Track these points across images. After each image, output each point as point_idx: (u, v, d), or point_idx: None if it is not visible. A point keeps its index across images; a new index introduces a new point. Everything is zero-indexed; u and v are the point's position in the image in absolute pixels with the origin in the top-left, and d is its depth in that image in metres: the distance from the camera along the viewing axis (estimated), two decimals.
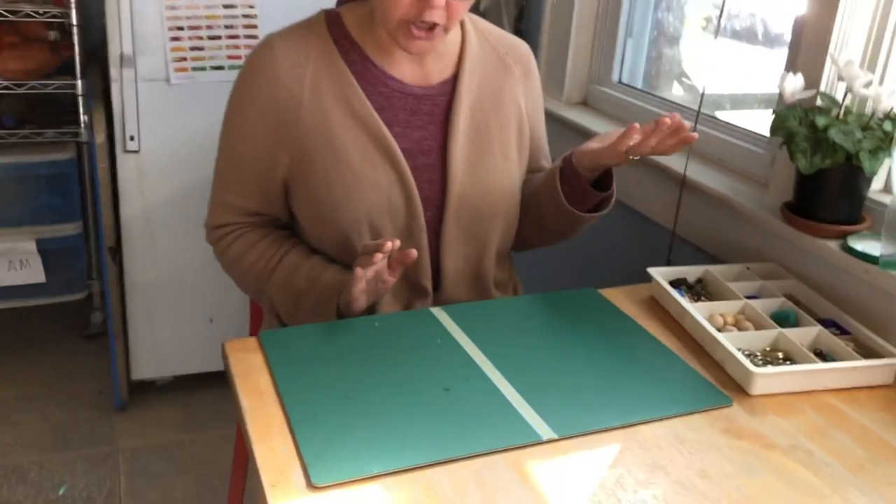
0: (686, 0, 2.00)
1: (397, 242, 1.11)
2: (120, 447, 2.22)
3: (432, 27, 1.16)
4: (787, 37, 1.68)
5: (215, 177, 1.34)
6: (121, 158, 2.15)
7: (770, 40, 1.82)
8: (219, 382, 2.40)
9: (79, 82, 2.26)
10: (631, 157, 1.19)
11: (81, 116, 2.31)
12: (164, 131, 2.15)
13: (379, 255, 1.10)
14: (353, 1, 1.32)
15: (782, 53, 1.49)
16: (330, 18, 1.29)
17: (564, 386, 1.07)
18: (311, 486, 0.86)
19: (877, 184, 1.35)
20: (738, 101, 1.98)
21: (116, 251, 2.23)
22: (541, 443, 0.96)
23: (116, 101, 2.09)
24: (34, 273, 2.40)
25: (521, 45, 1.40)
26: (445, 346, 1.15)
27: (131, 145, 2.13)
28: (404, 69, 1.28)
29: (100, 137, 2.12)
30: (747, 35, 1.89)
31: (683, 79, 2.09)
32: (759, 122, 1.82)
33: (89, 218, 2.55)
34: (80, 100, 2.29)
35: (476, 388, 1.05)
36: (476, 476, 0.90)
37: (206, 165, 2.16)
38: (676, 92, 2.07)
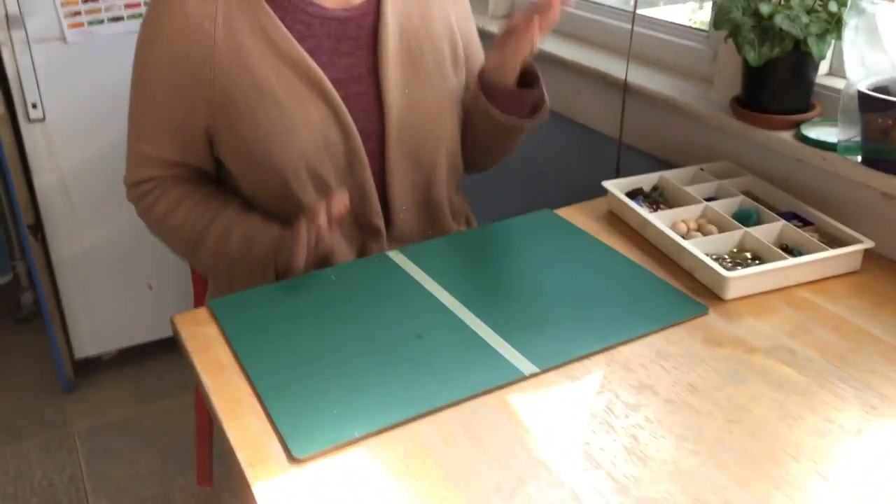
0: None
1: (345, 200, 1.06)
2: (74, 430, 2.13)
3: None
4: None
5: (129, 128, 1.23)
6: (25, 129, 1.99)
7: None
8: (167, 350, 2.33)
9: None
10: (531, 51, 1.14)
11: None
12: (67, 94, 2.00)
13: (322, 217, 1.06)
14: None
15: None
16: None
17: (538, 316, 1.03)
18: (293, 459, 0.81)
19: (822, 69, 1.32)
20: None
21: (37, 228, 2.10)
22: (523, 378, 0.92)
23: (10, 68, 1.93)
24: None
25: None
26: (409, 290, 1.09)
27: (34, 113, 1.98)
28: None
29: None
30: None
31: None
32: (685, 16, 1.78)
33: (1, 196, 2.39)
34: None
35: (448, 330, 1.01)
36: (463, 423, 0.86)
37: (119, 124, 2.03)
38: None
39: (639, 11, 1.57)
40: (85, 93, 2.01)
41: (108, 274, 2.21)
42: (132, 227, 2.13)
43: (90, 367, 2.32)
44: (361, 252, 1.26)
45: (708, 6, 1.82)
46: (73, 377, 2.26)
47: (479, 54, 1.37)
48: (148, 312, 2.29)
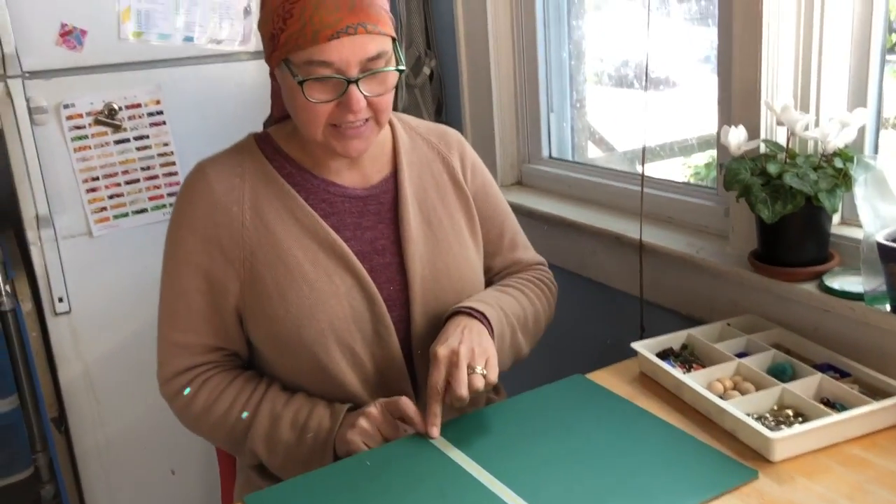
0: (583, 67, 2.03)
1: (436, 433, 1.13)
2: None
3: (363, 122, 1.14)
4: (673, 79, 1.73)
5: (161, 319, 1.25)
6: (51, 322, 2.03)
7: (661, 84, 1.84)
8: None
9: None
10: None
11: (1, 286, 2.18)
12: (93, 286, 2.05)
13: (401, 429, 1.15)
14: (279, 122, 1.29)
15: (669, 95, 1.51)
16: (259, 138, 1.27)
17: (583, 495, 1.00)
18: None
19: (835, 219, 1.35)
20: (655, 154, 2.01)
21: (61, 420, 2.08)
22: None
23: (39, 265, 1.98)
24: None
25: (450, 132, 1.39)
26: (447, 472, 1.07)
27: (61, 307, 2.02)
28: (343, 175, 1.24)
29: (27, 306, 1.99)
30: (627, 82, 1.94)
31: (596, 140, 2.11)
32: (678, 169, 1.84)
33: (25, 389, 2.39)
34: None
35: None
36: None
37: (142, 314, 2.08)
38: (593, 154, 2.09)
39: (639, 169, 1.63)
40: (110, 284, 2.06)
41: (132, 462, 2.17)
42: (154, 414, 2.13)
43: None
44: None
45: (694, 158, 1.88)
46: None
47: (504, 229, 1.40)
48: (171, 499, 2.23)
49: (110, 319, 2.07)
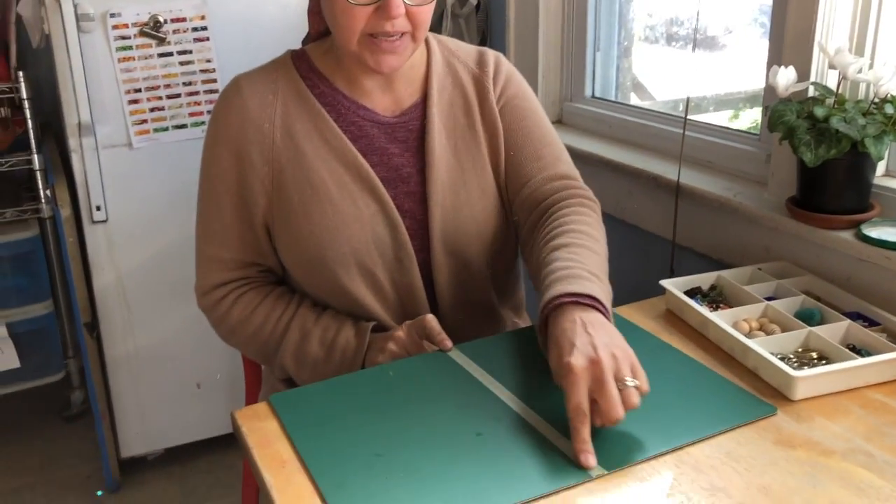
0: (633, 14, 2.00)
1: (449, 345, 1.14)
2: None
3: (399, 37, 1.12)
4: (722, 39, 1.68)
5: (198, 233, 1.27)
6: (88, 230, 2.06)
7: (707, 44, 1.81)
8: (212, 450, 2.32)
9: (35, 157, 2.17)
10: None
11: (41, 192, 2.22)
12: (130, 197, 2.08)
13: (427, 348, 1.15)
14: (317, 40, 1.28)
15: (718, 56, 1.48)
16: (296, 55, 1.26)
17: None
18: None
19: (879, 169, 1.32)
20: (699, 107, 1.98)
21: (93, 326, 2.14)
22: (590, 480, 0.90)
23: (79, 172, 2.01)
24: (7, 359, 2.29)
25: (487, 53, 1.32)
26: (468, 387, 1.08)
27: (98, 215, 2.05)
28: (375, 99, 1.24)
29: (65, 212, 2.03)
30: (682, 41, 1.90)
31: (638, 89, 2.08)
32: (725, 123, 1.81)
33: (59, 295, 2.45)
34: (39, 175, 2.20)
35: (510, 428, 0.99)
36: None
37: (178, 227, 2.11)
38: (634, 102, 2.06)
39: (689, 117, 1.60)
40: (147, 197, 2.09)
41: (159, 373, 2.23)
42: (184, 328, 2.17)
43: (135, 467, 2.31)
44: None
45: (743, 114, 1.85)
46: (118, 477, 2.25)
47: (541, 147, 1.28)
48: (195, 412, 2.29)
49: (145, 231, 2.11)
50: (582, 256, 1.11)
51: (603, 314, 1.01)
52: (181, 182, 2.09)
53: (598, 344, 0.94)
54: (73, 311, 2.21)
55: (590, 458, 0.90)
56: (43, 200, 2.23)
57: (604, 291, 1.05)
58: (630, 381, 0.93)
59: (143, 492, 2.25)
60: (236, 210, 1.22)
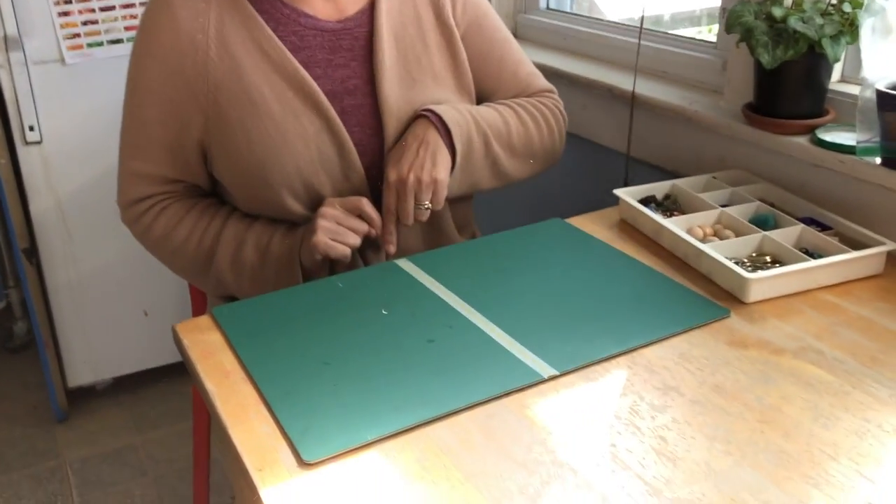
0: None
1: (392, 249, 1.18)
2: (67, 459, 2.07)
3: None
4: None
5: (122, 146, 1.20)
6: (22, 151, 1.97)
7: None
8: (162, 378, 2.28)
9: None
10: None
11: None
12: (65, 116, 1.98)
13: (365, 230, 1.15)
14: None
15: None
16: None
17: (553, 320, 0.99)
18: (303, 463, 0.77)
19: (835, 75, 1.30)
20: (657, 22, 1.95)
21: (32, 252, 2.06)
22: (542, 381, 0.88)
23: (8, 89, 1.90)
24: None
25: None
26: (418, 296, 1.05)
27: (31, 136, 1.95)
28: (316, 4, 1.17)
29: None
30: None
31: (591, 8, 2.04)
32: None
33: None
34: None
35: (461, 335, 0.97)
36: (481, 426, 0.82)
37: (116, 148, 2.02)
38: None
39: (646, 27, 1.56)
40: (83, 115, 1.99)
41: (104, 300, 2.17)
42: (129, 252, 2.10)
43: (84, 396, 2.26)
44: (363, 264, 1.22)
45: (707, 32, 1.82)
46: (66, 407, 2.20)
47: (503, 61, 1.31)
48: (143, 340, 2.24)
49: (84, 152, 2.01)
50: (476, 107, 1.26)
51: (444, 137, 1.16)
52: (120, 100, 1.98)
53: (414, 164, 1.14)
54: (9, 237, 2.13)
55: (391, 248, 1.16)
56: None
57: (460, 121, 1.19)
58: (426, 204, 1.15)
59: (93, 421, 2.21)
60: (164, 126, 1.15)
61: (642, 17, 1.51)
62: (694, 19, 2.03)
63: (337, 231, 1.11)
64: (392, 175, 1.14)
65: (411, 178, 1.13)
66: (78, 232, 2.08)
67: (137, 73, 1.16)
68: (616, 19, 1.95)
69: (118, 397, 2.28)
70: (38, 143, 1.97)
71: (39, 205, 2.02)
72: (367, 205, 1.13)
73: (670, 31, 1.64)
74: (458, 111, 1.19)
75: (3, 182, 1.96)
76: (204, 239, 1.18)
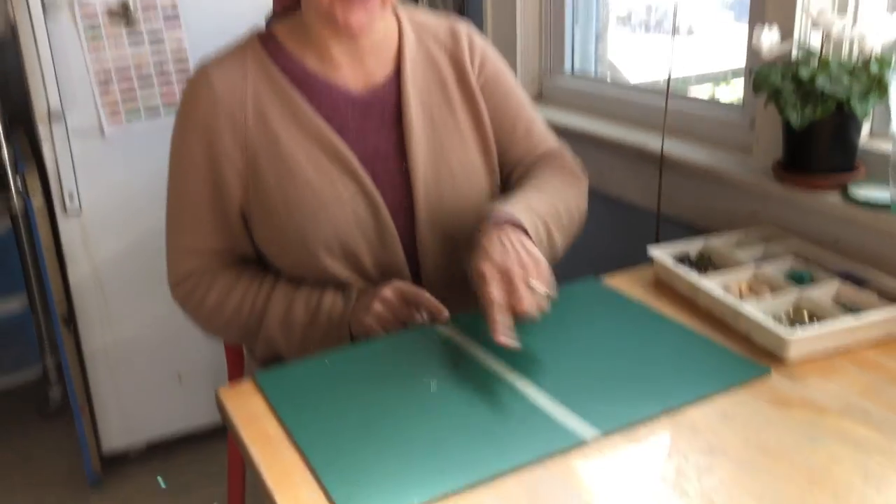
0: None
1: (446, 314, 1.13)
2: None
3: None
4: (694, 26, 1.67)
5: (168, 223, 1.24)
6: (62, 220, 2.02)
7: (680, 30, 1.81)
8: (195, 442, 2.28)
9: (3, 146, 2.12)
10: None
11: (12, 182, 2.17)
12: (104, 186, 2.03)
13: (419, 322, 1.12)
14: (281, 18, 1.25)
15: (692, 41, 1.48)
16: (262, 36, 1.23)
17: (593, 381, 0.99)
18: None
19: (864, 130, 1.31)
20: (676, 90, 1.98)
21: (70, 319, 2.09)
22: (585, 444, 0.88)
23: (50, 161, 1.96)
24: None
25: (457, 23, 1.32)
26: (458, 359, 1.06)
27: (71, 205, 2.01)
28: (346, 74, 1.21)
29: (37, 202, 1.99)
30: (654, 28, 1.91)
31: (614, 74, 2.08)
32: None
33: (34, 288, 2.40)
34: (8, 164, 2.15)
35: (502, 397, 0.97)
36: (525, 489, 0.82)
37: (153, 215, 2.05)
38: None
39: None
40: (121, 184, 2.04)
41: (139, 365, 2.19)
42: (163, 317, 2.13)
43: (117, 461, 2.27)
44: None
45: (724, 88, 1.85)
46: (100, 471, 2.21)
47: (519, 120, 1.32)
48: (177, 404, 2.26)
49: (121, 220, 2.06)
50: (523, 194, 1.20)
51: (524, 233, 1.10)
52: (156, 169, 2.02)
53: (509, 252, 1.05)
54: (48, 304, 2.16)
55: (503, 338, 0.99)
56: (13, 191, 2.18)
57: (529, 219, 1.13)
58: (537, 286, 1.03)
59: (127, 486, 2.21)
60: (208, 198, 1.19)
61: (668, 79, 1.54)
62: (713, 78, 2.05)
63: (389, 320, 1.14)
64: (485, 267, 1.04)
65: (512, 263, 1.03)
66: (114, 298, 2.11)
67: (178, 149, 1.21)
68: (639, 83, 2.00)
69: (151, 462, 2.29)
70: (78, 212, 2.02)
71: (78, 272, 2.06)
72: (428, 299, 1.14)
73: (691, 92, 1.67)
74: (519, 207, 1.15)
75: (44, 251, 2.01)
76: (256, 303, 1.20)
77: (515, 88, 1.34)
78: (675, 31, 1.54)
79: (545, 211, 1.19)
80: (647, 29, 1.98)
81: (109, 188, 2.04)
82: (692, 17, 1.79)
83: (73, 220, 2.02)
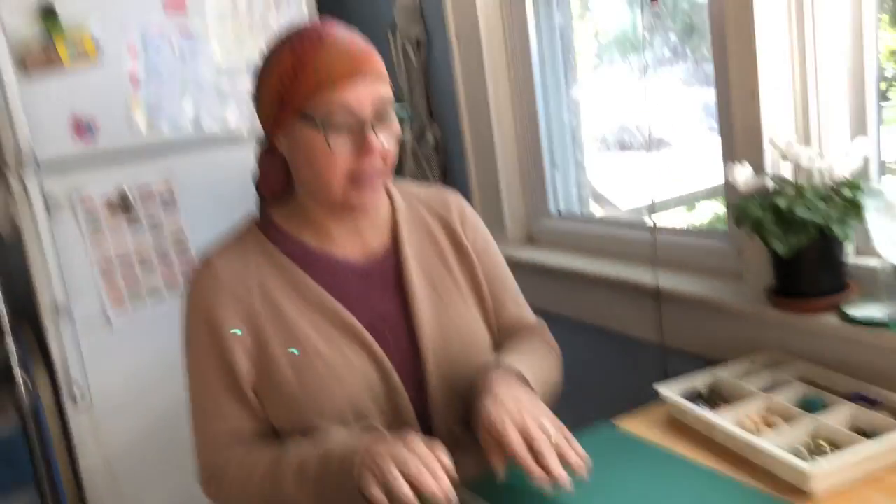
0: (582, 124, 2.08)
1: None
2: None
3: (375, 174, 1.16)
4: (668, 140, 1.75)
5: (194, 416, 1.24)
6: (71, 413, 2.02)
7: (657, 145, 1.88)
8: None
9: (10, 344, 2.14)
10: None
11: (20, 379, 2.18)
12: (112, 374, 2.05)
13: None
14: (275, 204, 1.30)
15: (666, 154, 1.54)
16: (259, 221, 1.28)
17: None
18: None
19: (849, 249, 1.35)
20: (660, 207, 2.03)
21: None
22: None
23: (57, 356, 1.99)
24: None
25: (448, 194, 1.39)
26: None
27: (81, 398, 2.01)
28: (345, 247, 1.25)
29: (46, 398, 1.99)
30: (632, 146, 1.99)
31: (597, 198, 2.14)
32: (682, 222, 1.86)
33: (44, 483, 2.36)
34: (16, 362, 2.16)
35: None
36: None
37: (163, 399, 2.07)
38: (596, 213, 2.11)
39: (647, 219, 1.64)
40: (128, 372, 2.06)
41: None
42: (177, 496, 2.09)
43: None
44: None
45: (696, 210, 1.90)
46: None
47: (502, 285, 1.36)
48: None
49: (131, 407, 2.06)
50: (519, 356, 1.23)
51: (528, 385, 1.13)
52: (163, 352, 2.06)
53: (525, 412, 1.05)
54: (59, 498, 2.13)
55: (542, 476, 0.99)
56: (21, 388, 2.18)
57: (531, 373, 1.16)
58: (559, 438, 1.03)
59: None
60: (225, 382, 1.19)
61: (652, 212, 1.59)
62: (695, 199, 2.10)
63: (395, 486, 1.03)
64: (501, 414, 1.04)
65: (531, 424, 1.03)
66: (127, 486, 2.08)
67: (191, 341, 1.23)
68: (622, 204, 2.05)
69: None
70: (87, 403, 2.02)
71: (88, 464, 2.04)
72: (443, 457, 1.06)
73: (678, 225, 1.71)
74: (522, 364, 1.18)
75: (54, 449, 2.00)
76: (276, 469, 1.18)
77: (502, 261, 1.40)
78: (650, 147, 1.61)
79: (538, 373, 1.22)
80: (623, 147, 2.05)
81: (118, 376, 2.05)
82: (665, 131, 1.86)
83: (83, 412, 2.03)
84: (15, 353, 2.13)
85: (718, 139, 1.52)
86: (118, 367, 2.04)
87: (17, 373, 2.16)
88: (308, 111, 1.12)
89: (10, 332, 2.13)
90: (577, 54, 2.02)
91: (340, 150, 1.13)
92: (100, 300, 2.02)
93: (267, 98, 1.18)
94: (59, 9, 1.93)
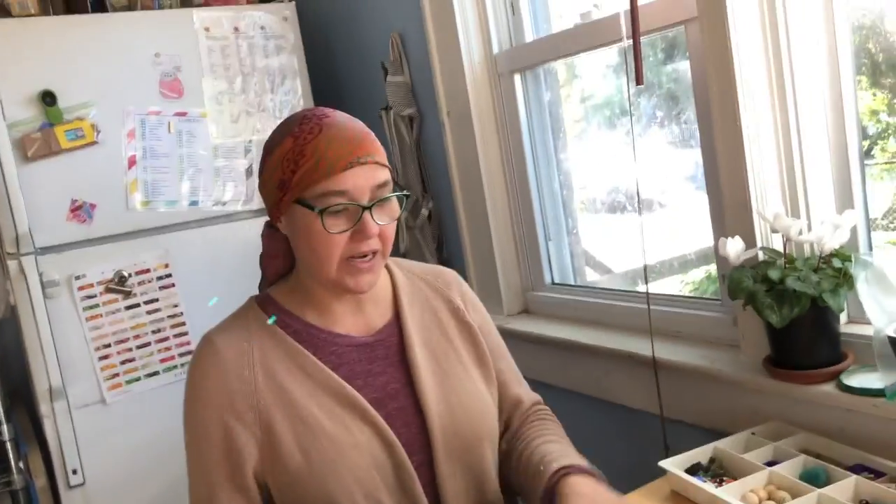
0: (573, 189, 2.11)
1: None
2: None
3: (372, 256, 1.18)
4: (659, 201, 1.78)
5: (192, 497, 1.23)
6: (65, 496, 1.99)
7: (646, 206, 1.91)
8: None
9: (4, 427, 2.12)
10: None
11: (13, 463, 2.15)
12: (107, 454, 2.03)
13: None
14: (275, 282, 1.31)
15: (658, 216, 1.59)
16: (261, 300, 1.29)
17: None
18: None
19: (843, 318, 1.37)
20: (654, 272, 2.04)
21: None
22: None
23: (52, 438, 1.97)
24: None
25: (446, 271, 1.41)
26: None
27: (75, 479, 1.99)
28: (347, 324, 1.26)
29: (40, 481, 1.97)
30: (618, 207, 2.01)
31: (592, 263, 2.16)
32: (676, 286, 1.87)
33: None
34: (9, 446, 2.14)
35: None
36: None
37: (157, 480, 2.05)
38: (592, 277, 2.13)
39: (641, 287, 1.66)
40: (123, 451, 2.04)
41: None
42: None
43: None
44: None
45: (691, 274, 1.91)
46: None
47: (502, 364, 1.38)
48: None
49: (126, 487, 2.04)
50: (560, 445, 1.25)
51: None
52: (159, 430, 2.05)
53: (609, 498, 1.07)
54: None
55: None
56: (15, 472, 2.15)
57: (586, 464, 1.17)
58: None
59: None
60: (226, 468, 1.18)
61: (647, 284, 1.61)
62: (684, 265, 2.12)
63: None
64: None
65: None
66: None
67: (192, 421, 1.22)
68: (616, 267, 2.06)
69: None
70: (82, 485, 2.00)
71: None
72: None
73: (673, 293, 1.73)
74: (572, 456, 1.21)
75: None
76: None
77: (499, 336, 1.41)
78: (640, 210, 1.63)
79: (582, 460, 1.22)
80: (614, 209, 2.07)
81: (112, 455, 2.03)
82: (656, 192, 1.89)
83: (77, 494, 2.00)
84: (8, 437, 2.11)
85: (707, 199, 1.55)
86: (113, 446, 2.02)
87: (11, 457, 2.14)
88: (307, 198, 1.15)
89: (4, 417, 2.11)
90: (564, 123, 2.07)
91: (337, 237, 1.15)
92: (96, 381, 2.01)
93: (269, 182, 1.20)
94: (58, 94, 1.98)
